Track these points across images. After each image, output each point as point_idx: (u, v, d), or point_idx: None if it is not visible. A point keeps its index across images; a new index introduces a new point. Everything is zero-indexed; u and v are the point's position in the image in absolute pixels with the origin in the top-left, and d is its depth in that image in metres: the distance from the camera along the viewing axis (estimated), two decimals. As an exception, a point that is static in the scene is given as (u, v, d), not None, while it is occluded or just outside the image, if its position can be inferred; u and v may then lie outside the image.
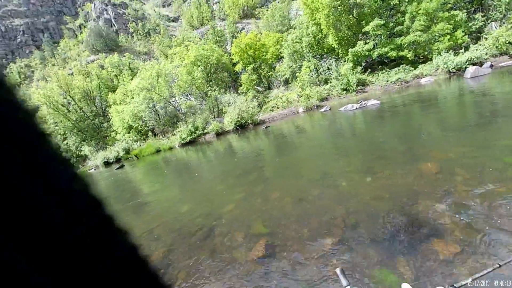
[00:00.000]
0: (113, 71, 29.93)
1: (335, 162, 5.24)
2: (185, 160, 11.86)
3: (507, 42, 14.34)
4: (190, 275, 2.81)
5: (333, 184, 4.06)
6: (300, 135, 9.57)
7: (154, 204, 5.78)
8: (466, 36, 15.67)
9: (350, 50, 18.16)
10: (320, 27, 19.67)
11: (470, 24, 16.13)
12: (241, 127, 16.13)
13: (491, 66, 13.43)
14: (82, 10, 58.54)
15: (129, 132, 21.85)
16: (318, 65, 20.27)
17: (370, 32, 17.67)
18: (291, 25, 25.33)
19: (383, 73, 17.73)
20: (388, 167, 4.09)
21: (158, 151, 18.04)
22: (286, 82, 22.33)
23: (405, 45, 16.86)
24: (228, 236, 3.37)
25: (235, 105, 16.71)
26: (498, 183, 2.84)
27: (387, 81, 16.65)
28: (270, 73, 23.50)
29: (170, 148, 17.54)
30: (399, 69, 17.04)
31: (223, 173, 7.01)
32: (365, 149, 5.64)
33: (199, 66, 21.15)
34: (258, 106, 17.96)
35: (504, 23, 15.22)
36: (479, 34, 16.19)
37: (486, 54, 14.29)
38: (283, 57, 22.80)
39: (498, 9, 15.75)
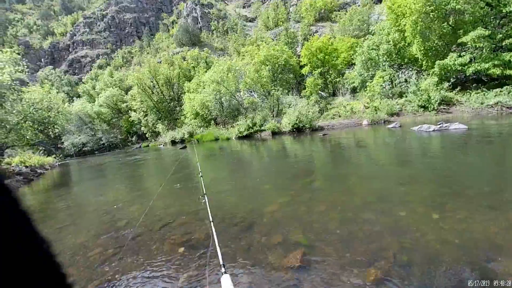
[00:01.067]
0: (192, 63, 33.60)
1: (396, 187, 4.70)
2: (238, 152, 12.46)
3: None
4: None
5: (390, 212, 3.65)
6: (360, 150, 8.88)
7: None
8: None
9: (437, 62, 15.78)
10: (403, 34, 17.67)
11: None
12: (298, 130, 16.00)
13: None
14: (176, 8, 67.30)
15: (195, 118, 24.32)
16: (394, 76, 18.32)
17: (469, 43, 14.94)
18: (369, 31, 23.51)
19: (477, 93, 14.85)
20: (465, 208, 3.44)
21: (216, 139, 19.51)
22: (354, 91, 20.96)
23: (516, 63, 13.70)
24: (266, 236, 3.43)
25: (296, 107, 16.66)
26: None
27: (482, 103, 13.90)
28: (337, 79, 22.46)
29: (228, 139, 18.72)
30: (501, 91, 13.98)
31: (272, 173, 7.11)
32: (437, 180, 4.87)
33: (267, 65, 21.79)
34: (319, 112, 17.46)
35: None
36: None
37: None
38: (354, 64, 21.42)
39: None
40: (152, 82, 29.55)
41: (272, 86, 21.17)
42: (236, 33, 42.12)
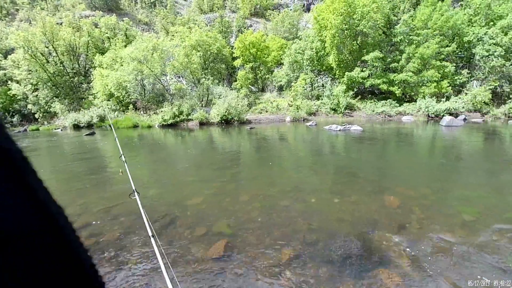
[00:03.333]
0: (106, 33, 28.27)
1: (309, 177, 5.39)
2: (162, 142, 11.51)
3: (482, 101, 15.69)
4: (141, 262, 2.74)
5: (303, 199, 4.17)
6: (282, 144, 9.72)
7: (116, 181, 5.53)
8: (450, 87, 16.93)
9: (347, 73, 18.80)
10: (324, 45, 20.16)
11: (455, 77, 17.45)
12: (226, 122, 16.03)
13: (465, 119, 14.61)
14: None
15: (108, 100, 20.78)
16: (314, 80, 20.73)
17: (369, 61, 18.43)
18: (297, 35, 25.67)
19: (371, 102, 18.58)
20: (356, 193, 4.29)
21: (135, 126, 17.36)
22: (280, 89, 22.56)
23: (396, 82, 17.81)
24: (190, 229, 3.33)
25: (226, 99, 16.57)
26: (446, 227, 3.10)
27: (373, 111, 17.46)
28: (267, 76, 23.61)
29: (149, 127, 16.95)
30: (386, 102, 17.95)
31: (198, 164, 6.92)
32: (340, 171, 5.88)
33: (199, 51, 20.72)
34: (247, 105, 17.95)
35: (484, 84, 16.64)
36: (461, 88, 17.55)
37: (463, 107, 15.53)
38: (282, 64, 23.03)
39: (482, 70, 17.19)
40: (47, 47, 23.24)
41: (202, 74, 20.36)
42: (165, 8, 38.09)
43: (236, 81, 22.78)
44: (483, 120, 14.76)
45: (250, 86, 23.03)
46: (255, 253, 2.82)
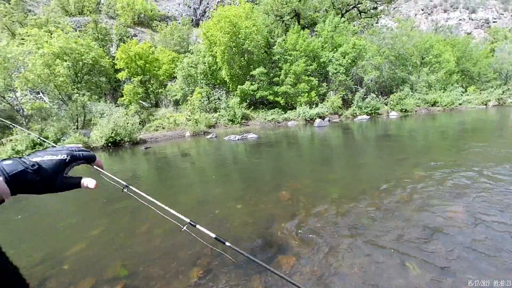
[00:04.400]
0: None
1: (213, 189, 5.43)
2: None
3: (337, 106, 20.85)
4: None
5: (208, 212, 4.15)
6: (184, 160, 9.35)
7: None
8: (317, 96, 21.55)
9: (239, 86, 20.42)
10: (215, 60, 21.13)
11: (319, 89, 22.40)
12: (114, 144, 13.71)
13: (329, 120, 18.94)
14: None
15: None
16: (210, 93, 21.27)
17: (256, 76, 20.78)
18: (188, 49, 25.69)
19: (262, 112, 20.94)
20: (256, 195, 4.69)
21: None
22: (177, 103, 21.76)
23: (280, 93, 20.93)
24: (71, 286, 2.62)
25: (111, 117, 14.21)
26: (322, 206, 3.89)
27: (265, 119, 19.72)
28: (160, 90, 22.21)
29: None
30: (274, 111, 20.71)
31: (78, 201, 5.59)
32: (241, 178, 6.25)
33: (66, 61, 16.95)
34: (140, 123, 16.16)
35: (336, 93, 22.21)
36: (323, 97, 22.68)
37: (327, 111, 20.09)
38: (176, 77, 22.38)
39: (334, 83, 22.92)
40: None
41: (75, 89, 16.73)
42: (9, 3, 28.99)
43: (122, 96, 20.13)
44: (340, 120, 19.70)
45: (141, 101, 20.94)
46: (160, 284, 2.55)
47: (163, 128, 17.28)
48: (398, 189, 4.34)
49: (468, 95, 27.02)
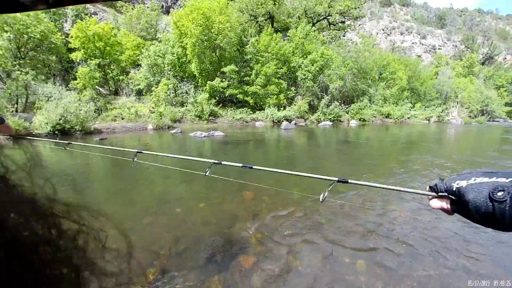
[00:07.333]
0: None
1: (174, 187, 5.19)
2: None
3: (304, 110, 21.69)
4: None
5: (168, 211, 3.94)
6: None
7: None
8: (285, 99, 22.14)
9: (208, 82, 19.93)
10: (185, 51, 20.30)
11: (288, 92, 23.06)
12: (62, 133, 12.21)
13: (295, 123, 19.61)
14: None
15: None
16: (177, 86, 20.37)
17: (227, 73, 20.52)
18: (156, 37, 24.22)
19: (231, 110, 20.77)
20: (220, 194, 4.60)
21: None
22: (139, 93, 20.35)
23: (249, 93, 21.00)
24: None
25: (60, 101, 12.63)
26: (284, 206, 3.98)
27: (233, 117, 19.60)
28: (121, 77, 20.52)
29: None
30: (243, 110, 20.70)
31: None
32: (205, 176, 6.07)
33: (7, 32, 14.62)
34: (95, 111, 14.70)
35: (304, 98, 23.12)
36: (291, 100, 23.42)
37: (293, 115, 20.77)
38: (140, 65, 20.93)
39: (302, 88, 23.82)
40: None
41: (16, 65, 14.47)
42: None
43: (75, 79, 18.08)
44: (305, 124, 20.56)
45: (97, 87, 19.07)
46: (117, 282, 2.32)
47: (122, 118, 15.98)
48: (353, 191, 4.67)
49: (415, 110, 30.55)
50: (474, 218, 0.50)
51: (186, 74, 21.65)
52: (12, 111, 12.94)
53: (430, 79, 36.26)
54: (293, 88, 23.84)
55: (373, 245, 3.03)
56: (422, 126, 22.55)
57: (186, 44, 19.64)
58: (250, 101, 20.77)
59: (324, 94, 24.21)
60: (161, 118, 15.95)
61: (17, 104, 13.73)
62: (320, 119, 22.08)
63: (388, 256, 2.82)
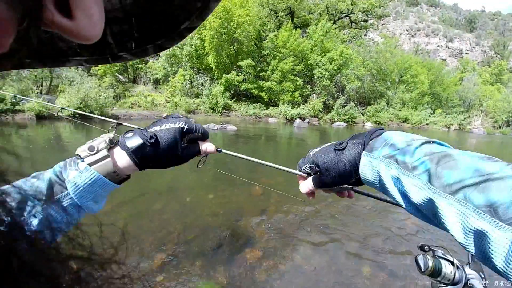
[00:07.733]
0: None
1: (185, 177, 5.29)
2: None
3: (318, 109, 21.38)
4: None
5: (178, 199, 4.03)
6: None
7: None
8: (300, 97, 21.88)
9: (224, 75, 19.98)
10: (203, 44, 20.40)
11: (303, 90, 22.77)
12: (82, 116, 12.62)
13: (308, 122, 19.39)
14: None
15: None
16: (193, 78, 20.57)
17: (243, 67, 20.48)
18: (176, 28, 24.38)
19: (245, 104, 20.77)
20: (229, 187, 4.65)
21: None
22: (157, 82, 20.73)
23: (264, 88, 20.89)
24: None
25: (81, 86, 13.10)
26: (290, 203, 3.98)
27: (246, 112, 19.60)
28: (140, 66, 20.95)
29: None
30: (256, 105, 20.65)
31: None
32: (215, 168, 6.16)
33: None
34: (114, 98, 15.16)
35: (319, 97, 22.76)
36: (306, 99, 23.12)
37: (307, 113, 20.52)
38: (158, 55, 21.25)
39: (318, 87, 23.43)
40: None
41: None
42: None
43: (97, 65, 18.64)
44: (319, 123, 20.30)
45: (117, 74, 19.59)
46: (127, 266, 2.43)
47: (139, 106, 16.40)
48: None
49: (435, 116, 29.35)
50: (332, 178, 0.50)
51: (203, 66, 21.82)
52: (37, 93, 13.58)
53: (454, 85, 34.63)
54: (308, 86, 23.50)
55: (380, 247, 2.97)
56: (441, 133, 21.68)
57: (205, 36, 19.76)
58: (265, 97, 20.69)
59: (340, 94, 23.70)
60: (176, 108, 16.23)
61: (41, 86, 14.37)
62: (334, 119, 21.68)
63: (393, 261, 2.76)
